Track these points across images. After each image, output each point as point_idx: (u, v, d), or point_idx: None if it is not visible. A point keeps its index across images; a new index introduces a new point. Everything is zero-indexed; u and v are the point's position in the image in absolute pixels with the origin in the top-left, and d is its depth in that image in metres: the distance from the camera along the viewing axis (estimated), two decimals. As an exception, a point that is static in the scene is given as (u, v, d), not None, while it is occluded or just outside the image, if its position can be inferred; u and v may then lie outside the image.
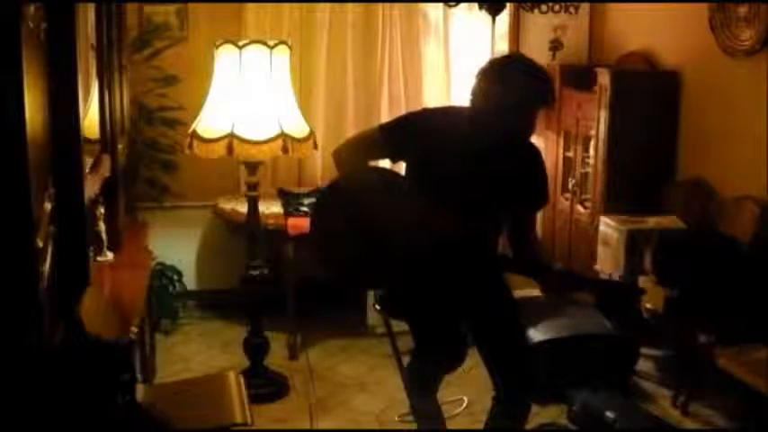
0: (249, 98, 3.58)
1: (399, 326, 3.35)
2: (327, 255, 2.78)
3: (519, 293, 4.71)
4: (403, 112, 4.90)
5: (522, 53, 2.86)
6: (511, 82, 2.61)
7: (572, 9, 5.04)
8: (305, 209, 4.42)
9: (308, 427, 3.67)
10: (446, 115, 2.93)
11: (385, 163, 3.26)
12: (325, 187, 3.00)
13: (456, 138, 2.68)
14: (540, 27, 5.26)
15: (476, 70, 2.72)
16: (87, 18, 2.82)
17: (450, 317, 2.87)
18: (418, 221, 2.62)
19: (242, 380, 3.03)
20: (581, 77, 4.94)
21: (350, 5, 5.00)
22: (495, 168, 2.65)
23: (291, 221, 4.38)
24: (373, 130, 2.92)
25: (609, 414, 3.39)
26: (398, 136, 2.78)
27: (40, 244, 1.79)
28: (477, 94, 2.68)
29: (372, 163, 2.98)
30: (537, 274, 2.88)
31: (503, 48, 5.17)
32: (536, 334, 3.78)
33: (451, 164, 2.65)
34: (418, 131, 2.76)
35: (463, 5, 4.66)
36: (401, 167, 2.91)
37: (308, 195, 4.61)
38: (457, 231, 2.60)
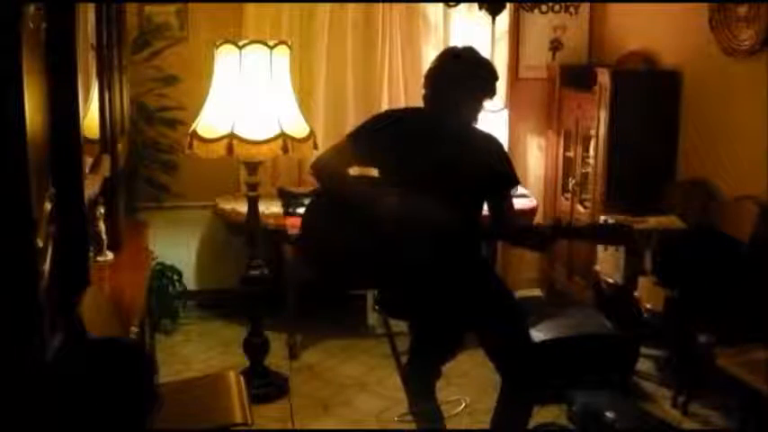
0: (249, 98, 3.58)
1: (399, 326, 3.35)
2: (319, 260, 2.83)
3: (519, 293, 4.74)
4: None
5: (471, 46, 2.90)
6: (457, 75, 2.78)
7: (572, 9, 5.04)
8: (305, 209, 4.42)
9: (308, 427, 3.67)
10: (405, 114, 3.06)
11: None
12: (313, 196, 3.04)
13: (415, 135, 2.78)
14: (540, 27, 5.26)
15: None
16: (87, 18, 2.82)
17: (445, 314, 2.88)
18: (398, 221, 2.67)
19: (242, 380, 3.03)
20: (581, 77, 4.94)
21: (350, 5, 4.99)
22: (455, 161, 2.73)
23: (291, 221, 4.37)
24: (342, 139, 2.98)
25: (609, 414, 3.39)
26: (363, 141, 2.86)
27: (40, 244, 1.79)
28: (428, 86, 2.83)
29: (350, 171, 3.02)
30: (523, 237, 2.92)
31: (503, 48, 5.18)
32: (536, 334, 3.77)
33: (415, 161, 2.73)
34: (379, 134, 2.85)
35: (463, 5, 4.65)
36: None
37: (307, 195, 4.58)
38: (434, 227, 2.65)
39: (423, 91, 2.87)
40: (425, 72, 2.86)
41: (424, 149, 2.75)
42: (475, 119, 2.87)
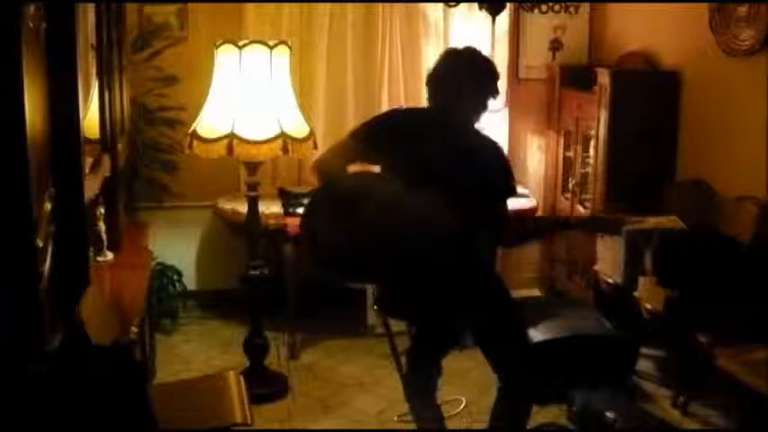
0: (249, 98, 3.58)
1: (399, 326, 3.35)
2: (318, 255, 2.83)
3: (519, 293, 4.74)
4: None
5: (471, 46, 2.92)
6: (457, 75, 2.80)
7: (572, 9, 5.03)
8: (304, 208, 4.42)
9: (308, 427, 3.67)
10: (411, 113, 3.12)
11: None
12: (314, 193, 3.04)
13: (418, 134, 2.80)
14: (540, 27, 5.26)
15: None
16: (87, 18, 2.82)
17: (443, 313, 2.88)
18: (396, 215, 2.67)
19: (242, 380, 3.03)
20: (581, 77, 4.94)
21: (350, 5, 4.99)
22: (454, 163, 2.73)
23: (291, 221, 4.37)
24: (346, 135, 2.99)
25: (609, 414, 3.38)
26: (368, 137, 2.87)
27: (40, 244, 1.79)
28: (430, 87, 2.86)
29: (353, 167, 3.02)
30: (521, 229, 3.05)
31: (503, 48, 5.17)
32: (536, 334, 3.77)
33: (415, 160, 2.73)
34: (385, 131, 2.87)
35: (463, 5, 4.65)
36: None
37: (307, 195, 4.58)
38: (433, 227, 2.65)
39: (425, 92, 2.89)
40: (427, 74, 2.87)
41: (425, 149, 2.75)
42: (476, 119, 2.87)
